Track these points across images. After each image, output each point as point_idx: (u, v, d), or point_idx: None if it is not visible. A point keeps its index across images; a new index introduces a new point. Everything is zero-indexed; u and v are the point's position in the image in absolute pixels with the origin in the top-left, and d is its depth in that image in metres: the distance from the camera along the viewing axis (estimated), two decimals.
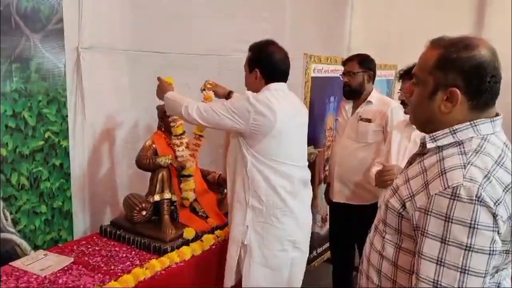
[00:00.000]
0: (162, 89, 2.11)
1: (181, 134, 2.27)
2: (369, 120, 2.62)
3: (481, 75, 1.04)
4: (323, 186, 3.22)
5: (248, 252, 1.97)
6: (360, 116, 2.65)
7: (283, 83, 2.04)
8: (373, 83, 2.70)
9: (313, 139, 3.06)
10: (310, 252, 3.27)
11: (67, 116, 2.08)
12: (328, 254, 3.41)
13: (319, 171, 3.24)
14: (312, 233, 3.14)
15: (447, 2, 3.80)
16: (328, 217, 3.18)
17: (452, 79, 1.06)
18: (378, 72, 3.51)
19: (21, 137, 1.91)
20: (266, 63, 1.98)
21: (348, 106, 2.76)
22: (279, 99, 1.94)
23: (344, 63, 2.74)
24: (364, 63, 2.66)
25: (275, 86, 1.99)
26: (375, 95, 2.69)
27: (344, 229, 2.85)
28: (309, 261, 3.28)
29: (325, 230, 3.41)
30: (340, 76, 2.76)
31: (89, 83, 2.16)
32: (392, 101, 2.73)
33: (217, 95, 2.31)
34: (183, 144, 2.27)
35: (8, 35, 1.81)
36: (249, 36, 3.03)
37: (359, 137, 2.66)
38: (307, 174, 2.16)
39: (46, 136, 2.00)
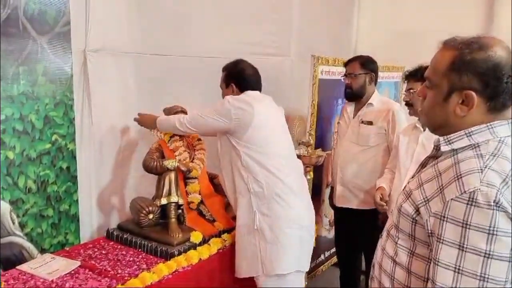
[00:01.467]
0: (146, 119, 2.27)
1: (171, 138, 2.28)
2: (370, 123, 2.59)
3: (498, 77, 1.01)
4: (328, 190, 3.19)
5: (261, 235, 2.06)
6: (361, 119, 2.62)
7: (257, 92, 2.23)
8: (375, 85, 2.67)
9: (321, 141, 3.04)
10: (318, 257, 3.27)
11: (74, 119, 2.08)
12: (335, 259, 3.38)
13: (326, 174, 3.21)
14: (319, 237, 3.13)
15: (454, 2, 3.76)
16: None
17: (467, 82, 1.03)
18: (386, 74, 3.49)
19: (28, 140, 1.91)
20: (240, 76, 2.22)
21: (349, 108, 2.73)
22: (256, 98, 2.16)
23: (346, 64, 2.71)
24: (366, 64, 2.63)
25: (251, 92, 2.20)
26: (377, 97, 2.65)
27: (349, 233, 2.82)
28: (317, 266, 3.27)
29: (332, 234, 3.37)
30: (342, 78, 2.73)
31: (96, 86, 2.16)
32: (394, 103, 2.70)
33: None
34: (179, 147, 2.25)
35: (16, 38, 1.82)
36: (255, 38, 3.05)
37: (360, 140, 2.62)
38: (299, 163, 2.31)
39: (53, 139, 2.00)
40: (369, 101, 2.63)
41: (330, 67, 3.01)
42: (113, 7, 2.22)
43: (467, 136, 1.06)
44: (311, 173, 2.90)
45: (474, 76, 1.02)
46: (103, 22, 2.15)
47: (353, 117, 2.68)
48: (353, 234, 2.75)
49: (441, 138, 1.11)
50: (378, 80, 2.72)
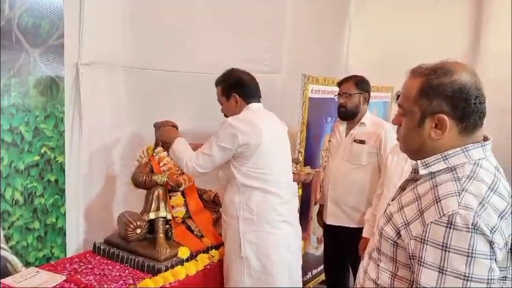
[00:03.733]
0: (167, 132, 2.20)
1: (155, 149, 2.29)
2: (363, 142, 2.62)
3: (465, 98, 1.04)
4: (316, 207, 3.20)
5: (247, 263, 2.03)
6: (354, 138, 2.65)
7: (260, 104, 2.17)
8: (367, 105, 2.71)
9: (310, 159, 3.06)
10: (305, 274, 3.25)
11: (63, 131, 2.08)
12: (323, 276, 3.37)
13: (315, 191, 3.23)
14: (306, 254, 3.13)
15: (443, 23, 3.85)
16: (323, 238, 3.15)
17: (437, 106, 1.06)
18: (374, 94, 3.54)
19: (16, 152, 1.90)
20: (240, 85, 2.14)
21: (342, 127, 2.76)
22: (260, 115, 2.10)
23: (340, 84, 2.74)
24: (361, 84, 2.67)
25: (254, 106, 2.13)
26: (369, 117, 2.69)
27: (337, 251, 2.82)
28: (304, 283, 3.25)
29: (320, 251, 3.38)
30: (335, 97, 2.76)
31: (87, 99, 2.17)
32: (385, 123, 2.73)
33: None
34: (164, 157, 2.26)
35: (8, 50, 1.82)
36: (248, 54, 3.09)
37: (352, 158, 2.65)
38: (294, 185, 2.27)
39: (42, 151, 1.99)
40: (361, 120, 2.66)
41: (320, 86, 3.04)
42: (106, 21, 2.24)
43: (443, 159, 1.08)
44: (300, 190, 2.91)
45: (443, 100, 1.06)
46: (96, 36, 2.17)
47: (345, 136, 2.71)
48: (342, 252, 2.75)
49: (419, 162, 1.13)
50: None
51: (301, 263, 2.26)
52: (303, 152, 2.96)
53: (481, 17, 3.82)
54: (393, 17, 4.19)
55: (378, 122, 2.71)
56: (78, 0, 2.07)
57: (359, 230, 2.53)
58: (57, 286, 1.77)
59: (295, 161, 2.82)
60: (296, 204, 2.26)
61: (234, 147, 1.97)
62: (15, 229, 1.92)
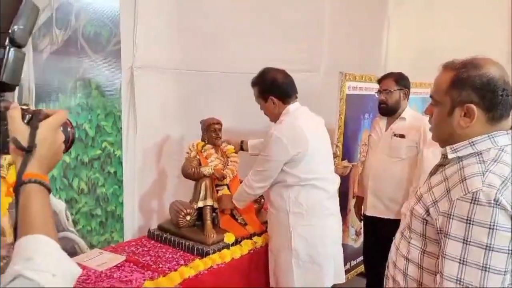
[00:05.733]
0: (225, 200, 2.38)
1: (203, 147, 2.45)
2: (402, 136, 2.69)
3: (493, 90, 1.16)
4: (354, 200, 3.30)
5: (295, 254, 2.14)
6: (394, 132, 2.73)
7: (297, 103, 2.23)
8: (407, 100, 2.78)
9: (348, 153, 3.16)
10: (344, 265, 3.35)
11: (121, 128, 2.30)
12: (361, 268, 3.46)
13: (353, 184, 3.33)
14: (345, 245, 3.23)
15: (481, 20, 3.84)
16: (361, 230, 3.25)
17: (467, 96, 1.18)
18: (413, 90, 3.59)
19: (82, 146, 2.14)
20: (275, 87, 2.18)
21: (381, 122, 2.84)
22: (301, 119, 2.15)
23: (380, 81, 2.82)
24: (400, 81, 2.74)
25: (292, 107, 2.19)
26: (409, 112, 2.76)
27: (377, 242, 2.90)
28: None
29: (358, 243, 3.47)
30: (376, 94, 2.85)
31: (141, 99, 2.38)
32: (425, 118, 2.79)
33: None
34: (212, 154, 2.43)
35: (75, 56, 2.06)
36: (287, 55, 3.23)
37: (392, 152, 2.73)
38: (337, 178, 2.40)
39: (103, 146, 2.23)
40: (401, 115, 2.73)
41: (357, 83, 3.14)
42: (156, 29, 2.46)
43: (470, 145, 1.20)
44: None
45: (472, 91, 1.17)
46: (147, 42, 2.38)
47: (385, 130, 2.80)
48: (382, 244, 2.83)
49: (448, 147, 1.25)
50: None
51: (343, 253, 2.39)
52: (341, 147, 3.07)
53: None
54: (431, 15, 4.21)
55: (418, 117, 2.77)
56: (132, 10, 2.29)
57: (397, 222, 2.61)
58: (119, 265, 1.99)
59: (333, 155, 2.95)
60: (337, 202, 2.35)
61: (287, 158, 2.08)
62: (81, 215, 2.16)
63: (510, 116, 1.20)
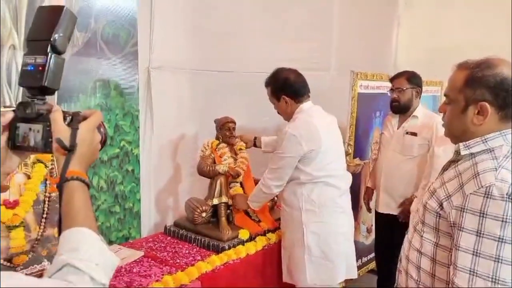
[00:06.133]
0: (240, 201, 2.42)
1: (218, 145, 2.50)
2: (414, 134, 2.73)
3: (506, 89, 1.20)
4: None
5: (308, 250, 2.19)
6: (406, 130, 2.77)
7: (309, 102, 2.27)
8: (419, 99, 2.81)
9: (359, 151, 3.20)
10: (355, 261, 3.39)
11: (138, 127, 2.36)
12: (372, 265, 3.50)
13: (364, 182, 3.37)
14: (356, 242, 3.26)
15: (491, 19, 3.85)
16: (373, 227, 3.28)
17: (480, 94, 1.22)
18: (424, 88, 3.61)
19: None
20: (287, 86, 2.23)
21: (394, 120, 2.87)
22: (314, 117, 2.20)
23: (392, 79, 2.85)
24: (413, 79, 2.78)
25: (305, 106, 2.24)
26: (421, 110, 2.80)
27: (389, 239, 2.94)
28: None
29: (369, 240, 3.51)
30: (388, 92, 2.88)
31: (157, 99, 2.44)
32: (437, 115, 2.83)
33: (244, 141, 2.63)
34: (226, 153, 2.48)
35: (94, 57, 2.13)
36: (298, 54, 3.28)
37: (404, 150, 2.76)
38: (349, 175, 2.41)
39: (121, 144, 2.29)
40: (414, 114, 2.77)
41: (368, 81, 3.17)
42: (172, 30, 2.51)
43: (483, 142, 1.24)
44: None
45: (485, 90, 1.21)
46: (164, 43, 2.44)
47: (397, 128, 2.83)
48: (394, 240, 2.87)
49: (461, 144, 1.29)
50: None
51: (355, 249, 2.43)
52: (352, 145, 3.12)
53: None
54: (441, 13, 4.23)
55: (430, 115, 2.80)
56: (149, 13, 2.35)
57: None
58: (138, 260, 2.05)
59: (345, 153, 2.99)
60: (349, 198, 2.39)
61: (301, 154, 2.12)
62: (100, 212, 2.23)
63: None
